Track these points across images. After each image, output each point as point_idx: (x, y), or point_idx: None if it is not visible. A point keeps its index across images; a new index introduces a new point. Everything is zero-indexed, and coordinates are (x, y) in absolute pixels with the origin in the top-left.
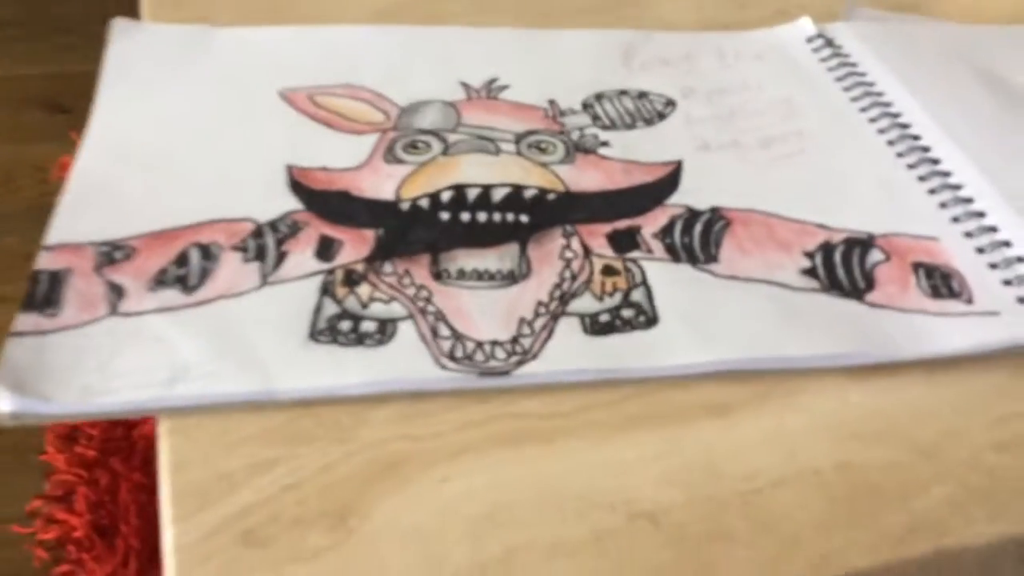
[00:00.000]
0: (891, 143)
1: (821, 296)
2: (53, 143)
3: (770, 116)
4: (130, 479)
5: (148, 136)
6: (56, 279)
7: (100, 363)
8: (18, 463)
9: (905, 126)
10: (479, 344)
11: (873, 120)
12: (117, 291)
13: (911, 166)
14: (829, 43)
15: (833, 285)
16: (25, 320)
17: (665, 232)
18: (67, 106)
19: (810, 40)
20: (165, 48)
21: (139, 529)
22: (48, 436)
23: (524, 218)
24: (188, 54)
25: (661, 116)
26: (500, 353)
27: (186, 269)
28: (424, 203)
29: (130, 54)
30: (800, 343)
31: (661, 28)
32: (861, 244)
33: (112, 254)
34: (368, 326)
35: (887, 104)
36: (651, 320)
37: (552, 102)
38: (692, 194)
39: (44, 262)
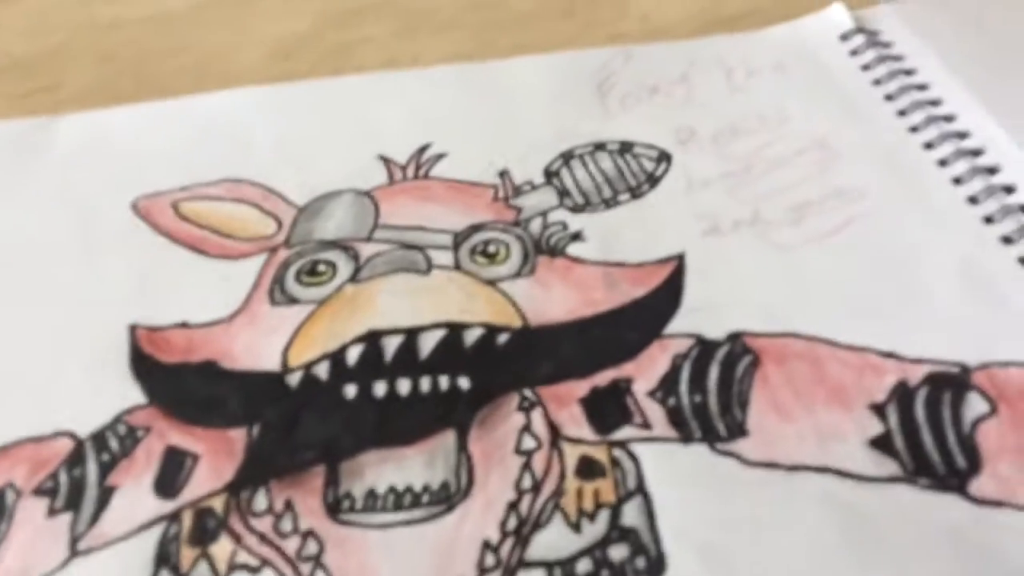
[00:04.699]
0: (974, 200)
1: (903, 491)
2: None
3: (800, 167)
4: None
5: None
6: None
7: None
8: None
9: (992, 170)
10: None
11: (945, 163)
12: None
13: (1007, 239)
14: (873, 40)
15: (919, 468)
16: None
17: (667, 386)
18: None
19: (846, 38)
20: None
21: None
22: None
23: (464, 382)
24: (18, 158)
25: (652, 180)
26: None
27: None
28: (321, 371)
29: None
30: None
31: (643, 31)
32: (952, 383)
33: None
34: None
35: (963, 135)
36: (656, 563)
37: (504, 174)
38: (701, 313)
39: None
